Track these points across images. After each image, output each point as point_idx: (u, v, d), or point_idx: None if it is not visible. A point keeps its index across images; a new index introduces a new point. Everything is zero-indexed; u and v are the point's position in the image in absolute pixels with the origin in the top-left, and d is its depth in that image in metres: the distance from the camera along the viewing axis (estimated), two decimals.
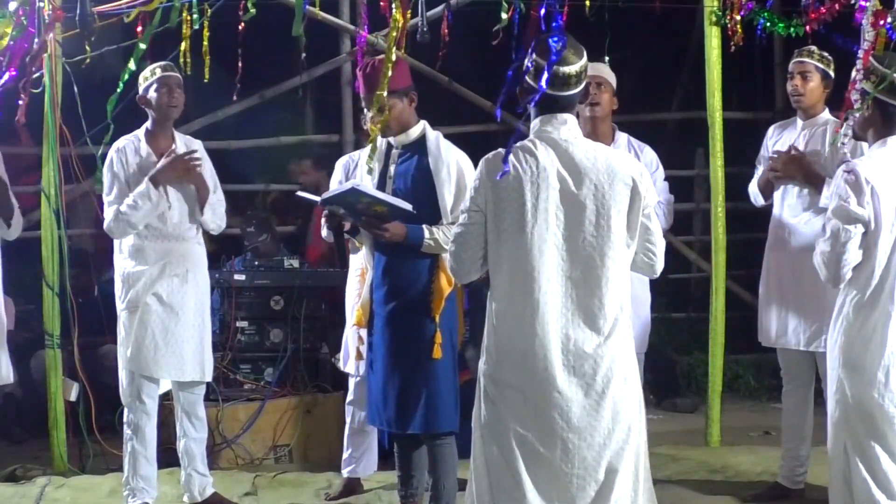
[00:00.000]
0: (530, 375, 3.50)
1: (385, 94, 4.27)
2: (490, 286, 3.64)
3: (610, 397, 3.50)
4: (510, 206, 3.52)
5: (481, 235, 3.60)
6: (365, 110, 4.54)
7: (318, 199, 4.44)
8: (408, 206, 4.32)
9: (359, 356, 4.87)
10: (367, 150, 4.68)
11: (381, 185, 4.46)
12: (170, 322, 5.12)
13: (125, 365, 5.13)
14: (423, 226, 4.36)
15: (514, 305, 3.53)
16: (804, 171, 5.16)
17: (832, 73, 5.23)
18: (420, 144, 4.50)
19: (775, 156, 5.28)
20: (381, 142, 4.60)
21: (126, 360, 5.12)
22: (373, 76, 4.40)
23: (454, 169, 4.43)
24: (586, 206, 3.51)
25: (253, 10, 4.36)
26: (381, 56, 4.49)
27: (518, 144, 3.59)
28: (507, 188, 3.53)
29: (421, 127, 4.53)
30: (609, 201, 3.51)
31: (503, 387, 3.55)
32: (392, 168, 4.50)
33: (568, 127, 3.59)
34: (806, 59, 5.23)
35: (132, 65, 4.66)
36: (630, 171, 3.55)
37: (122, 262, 5.15)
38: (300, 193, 4.70)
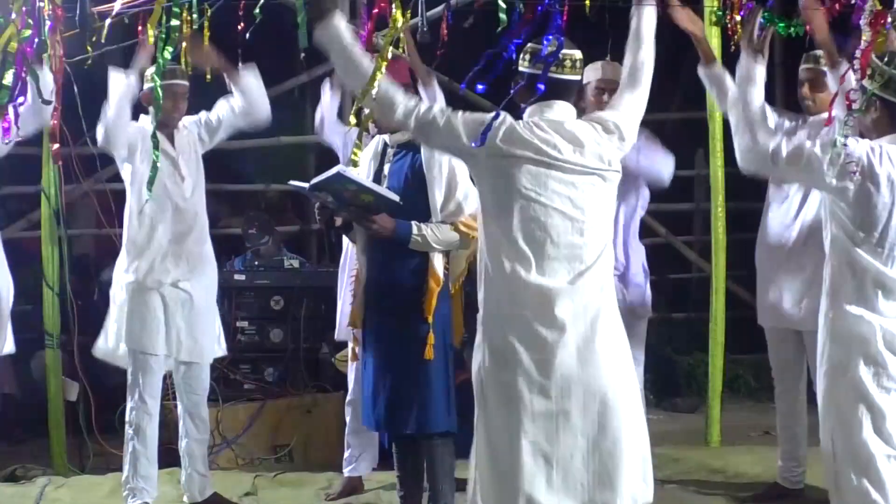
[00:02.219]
0: (541, 345, 3.54)
1: (369, 90, 4.27)
2: (487, 266, 3.66)
3: (610, 383, 3.55)
4: (504, 187, 3.57)
5: (447, 135, 3.63)
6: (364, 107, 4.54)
7: (306, 185, 4.43)
8: (395, 197, 4.32)
9: (354, 357, 4.87)
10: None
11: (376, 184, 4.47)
12: (170, 303, 5.11)
13: (124, 340, 5.12)
14: (412, 222, 4.36)
15: (508, 288, 3.58)
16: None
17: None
18: (414, 143, 4.50)
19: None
20: (377, 140, 4.61)
21: (126, 337, 5.12)
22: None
23: (445, 168, 4.43)
24: (580, 186, 3.58)
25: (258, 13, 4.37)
26: (394, 52, 4.50)
27: (519, 121, 3.61)
28: (507, 165, 3.56)
29: None
30: (600, 178, 3.61)
31: (503, 378, 3.59)
32: (386, 167, 4.52)
33: (563, 109, 3.64)
34: (814, 66, 5.23)
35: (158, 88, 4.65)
36: (610, 126, 3.68)
37: (127, 252, 5.15)
38: (292, 183, 4.69)
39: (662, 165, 5.34)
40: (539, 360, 3.55)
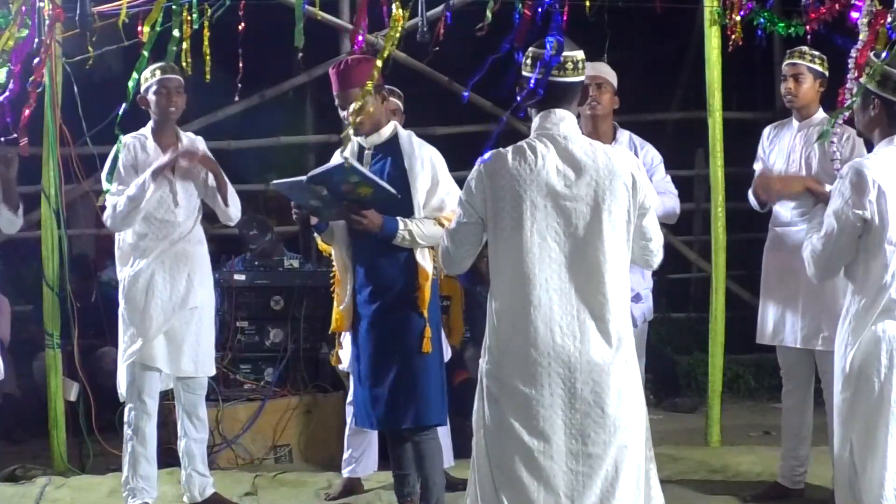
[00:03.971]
0: (533, 374, 3.49)
1: (370, 89, 4.29)
2: (490, 285, 3.64)
3: (613, 394, 3.50)
4: (509, 205, 3.51)
5: (475, 234, 3.62)
6: (339, 108, 4.55)
7: (302, 178, 4.40)
8: (393, 190, 4.32)
9: (337, 360, 4.85)
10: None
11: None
12: (169, 316, 5.11)
13: (125, 358, 5.12)
14: (398, 218, 4.37)
15: (515, 304, 3.51)
16: (806, 185, 5.14)
17: (826, 72, 5.22)
18: (392, 144, 4.51)
19: (766, 172, 5.27)
20: (352, 142, 4.60)
21: (124, 352, 5.12)
22: (346, 73, 4.44)
23: (428, 164, 4.45)
24: (586, 204, 3.49)
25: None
26: (355, 56, 4.52)
27: (517, 143, 3.59)
28: (506, 187, 3.52)
29: (392, 127, 4.55)
30: (608, 198, 3.50)
31: (506, 386, 3.53)
32: (366, 169, 4.49)
33: (566, 123, 3.59)
34: (798, 61, 5.22)
35: (136, 75, 4.65)
36: (629, 168, 3.54)
37: (125, 259, 5.15)
38: (276, 182, 4.62)
39: (671, 209, 5.39)
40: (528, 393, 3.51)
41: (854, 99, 3.93)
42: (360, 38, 5.07)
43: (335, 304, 4.66)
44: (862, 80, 3.98)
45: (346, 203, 4.35)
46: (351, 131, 4.31)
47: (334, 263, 4.66)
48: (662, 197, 5.34)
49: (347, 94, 4.43)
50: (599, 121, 5.34)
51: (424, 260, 4.45)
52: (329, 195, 4.36)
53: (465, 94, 3.88)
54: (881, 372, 3.83)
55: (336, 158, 4.78)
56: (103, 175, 5.06)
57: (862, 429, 3.87)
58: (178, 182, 5.14)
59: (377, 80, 4.45)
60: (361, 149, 4.55)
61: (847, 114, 4.02)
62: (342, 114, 4.51)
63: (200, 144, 5.32)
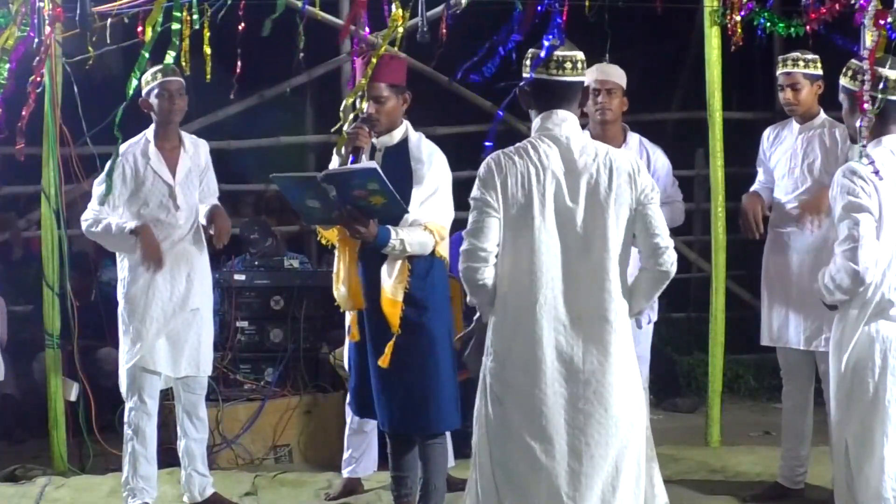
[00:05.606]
0: (536, 374, 3.49)
1: (374, 83, 4.28)
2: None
3: (616, 394, 3.50)
4: (516, 205, 3.51)
5: (496, 227, 3.53)
6: (363, 103, 4.52)
7: (315, 175, 4.34)
8: (404, 205, 4.29)
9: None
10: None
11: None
12: (169, 317, 5.11)
13: (125, 360, 5.13)
14: (389, 227, 4.31)
15: (519, 304, 3.52)
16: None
17: (821, 72, 5.20)
18: (402, 146, 4.49)
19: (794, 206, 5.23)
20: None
21: (125, 354, 5.12)
22: (376, 67, 4.40)
23: (434, 172, 4.41)
24: (589, 203, 3.50)
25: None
26: (393, 52, 4.51)
27: (520, 144, 3.59)
28: (513, 186, 3.51)
29: (404, 129, 4.52)
30: (611, 198, 3.50)
31: (509, 385, 3.53)
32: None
33: (568, 124, 3.58)
34: (792, 70, 5.19)
35: (135, 77, 4.64)
36: (628, 166, 3.54)
37: (125, 261, 5.15)
38: (276, 175, 4.52)
39: (678, 216, 5.37)
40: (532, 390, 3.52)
41: (875, 109, 3.90)
42: (366, 32, 5.07)
43: (338, 284, 4.56)
44: (844, 81, 3.98)
45: (348, 208, 4.28)
46: (340, 151, 4.32)
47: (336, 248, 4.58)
48: (670, 206, 5.29)
49: (374, 86, 4.42)
50: (609, 125, 5.30)
51: (389, 283, 4.34)
52: (336, 197, 4.28)
53: (458, 74, 3.88)
54: (875, 372, 3.83)
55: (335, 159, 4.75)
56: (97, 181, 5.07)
57: (857, 429, 3.87)
58: (177, 185, 5.14)
59: (404, 81, 4.46)
60: (374, 149, 4.52)
61: (868, 117, 3.96)
62: (364, 106, 4.49)
63: (203, 148, 5.32)
